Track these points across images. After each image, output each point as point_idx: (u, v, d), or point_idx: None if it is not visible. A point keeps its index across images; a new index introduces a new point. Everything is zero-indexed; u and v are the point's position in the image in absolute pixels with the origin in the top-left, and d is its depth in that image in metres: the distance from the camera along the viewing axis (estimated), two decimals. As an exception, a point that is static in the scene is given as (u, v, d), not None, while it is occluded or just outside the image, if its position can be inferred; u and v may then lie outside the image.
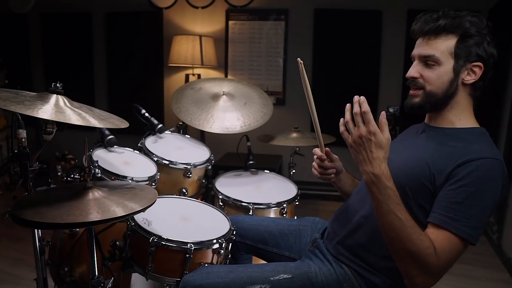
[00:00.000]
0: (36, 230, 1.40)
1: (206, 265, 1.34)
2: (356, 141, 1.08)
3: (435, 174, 1.09)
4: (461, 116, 1.17)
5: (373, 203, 1.10)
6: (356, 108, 1.06)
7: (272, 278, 1.22)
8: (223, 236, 1.38)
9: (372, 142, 1.05)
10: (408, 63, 1.21)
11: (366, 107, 1.05)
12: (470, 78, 1.14)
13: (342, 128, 1.13)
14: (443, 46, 1.12)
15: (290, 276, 1.23)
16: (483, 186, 1.03)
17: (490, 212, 1.06)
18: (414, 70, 1.17)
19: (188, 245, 1.30)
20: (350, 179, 1.48)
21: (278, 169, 3.79)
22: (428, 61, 1.15)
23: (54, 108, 1.20)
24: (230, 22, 4.21)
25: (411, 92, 1.20)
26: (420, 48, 1.16)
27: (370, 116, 1.05)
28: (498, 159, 1.06)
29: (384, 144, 1.06)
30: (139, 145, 2.00)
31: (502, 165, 1.06)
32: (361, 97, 1.06)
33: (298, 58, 1.19)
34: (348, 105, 1.09)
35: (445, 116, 1.19)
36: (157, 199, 1.21)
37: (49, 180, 1.50)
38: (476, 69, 1.13)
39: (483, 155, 1.05)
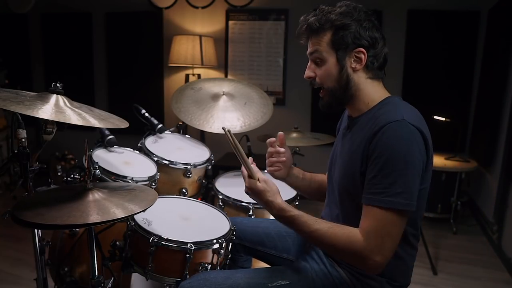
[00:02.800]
0: (36, 230, 1.40)
1: (206, 265, 1.34)
2: (249, 193, 1.21)
3: (361, 166, 1.12)
4: (368, 100, 1.20)
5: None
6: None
7: (270, 285, 1.22)
8: (223, 236, 1.38)
9: (253, 192, 1.19)
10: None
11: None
12: (358, 65, 1.17)
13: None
14: (323, 42, 1.17)
15: (288, 282, 1.23)
16: (392, 151, 1.04)
17: (414, 173, 1.05)
18: (309, 71, 1.22)
19: (188, 245, 1.30)
20: (300, 174, 1.52)
21: (278, 169, 3.78)
22: (316, 59, 1.20)
23: (54, 108, 1.20)
24: (230, 22, 4.21)
25: (320, 93, 1.25)
26: (308, 49, 1.21)
27: (244, 173, 1.20)
28: (399, 120, 1.05)
29: (259, 189, 1.17)
30: (139, 145, 2.00)
31: (404, 123, 1.05)
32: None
33: (224, 127, 1.21)
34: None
35: (356, 105, 1.22)
36: (157, 199, 1.21)
37: (49, 180, 1.50)
38: (360, 55, 1.16)
39: (385, 122, 1.06)
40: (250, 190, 1.19)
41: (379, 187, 1.05)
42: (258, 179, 1.18)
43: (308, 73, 1.22)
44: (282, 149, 1.41)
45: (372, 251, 1.05)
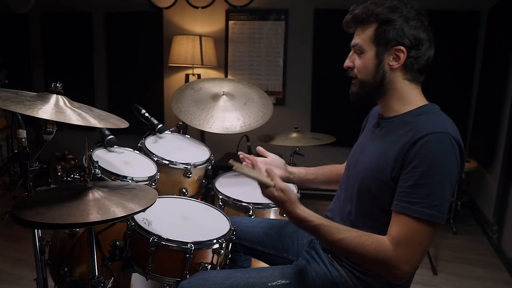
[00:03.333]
0: (36, 230, 1.40)
1: (206, 265, 1.34)
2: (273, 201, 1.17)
3: (392, 171, 1.09)
4: (404, 102, 1.17)
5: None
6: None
7: (270, 284, 1.22)
8: (223, 236, 1.38)
9: (271, 200, 1.16)
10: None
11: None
12: (395, 63, 1.14)
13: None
14: (364, 35, 1.16)
15: (287, 281, 1.23)
16: (433, 163, 1.02)
17: (450, 187, 1.04)
18: (349, 60, 1.22)
19: (188, 245, 1.30)
20: (302, 170, 1.55)
21: (278, 169, 3.77)
22: (357, 50, 1.19)
23: (54, 108, 1.20)
24: (230, 22, 4.21)
25: (352, 81, 1.24)
26: (352, 40, 1.21)
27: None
28: (443, 132, 1.04)
29: (275, 198, 1.13)
30: (139, 145, 1.99)
31: (448, 136, 1.04)
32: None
33: (230, 161, 1.22)
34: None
35: (389, 104, 1.20)
36: (157, 199, 1.21)
37: (49, 180, 1.50)
38: (399, 54, 1.13)
39: (427, 131, 1.04)
40: (268, 198, 1.16)
41: (416, 197, 1.02)
42: (275, 186, 1.14)
43: (347, 62, 1.22)
44: (259, 159, 1.44)
45: (401, 261, 1.03)
